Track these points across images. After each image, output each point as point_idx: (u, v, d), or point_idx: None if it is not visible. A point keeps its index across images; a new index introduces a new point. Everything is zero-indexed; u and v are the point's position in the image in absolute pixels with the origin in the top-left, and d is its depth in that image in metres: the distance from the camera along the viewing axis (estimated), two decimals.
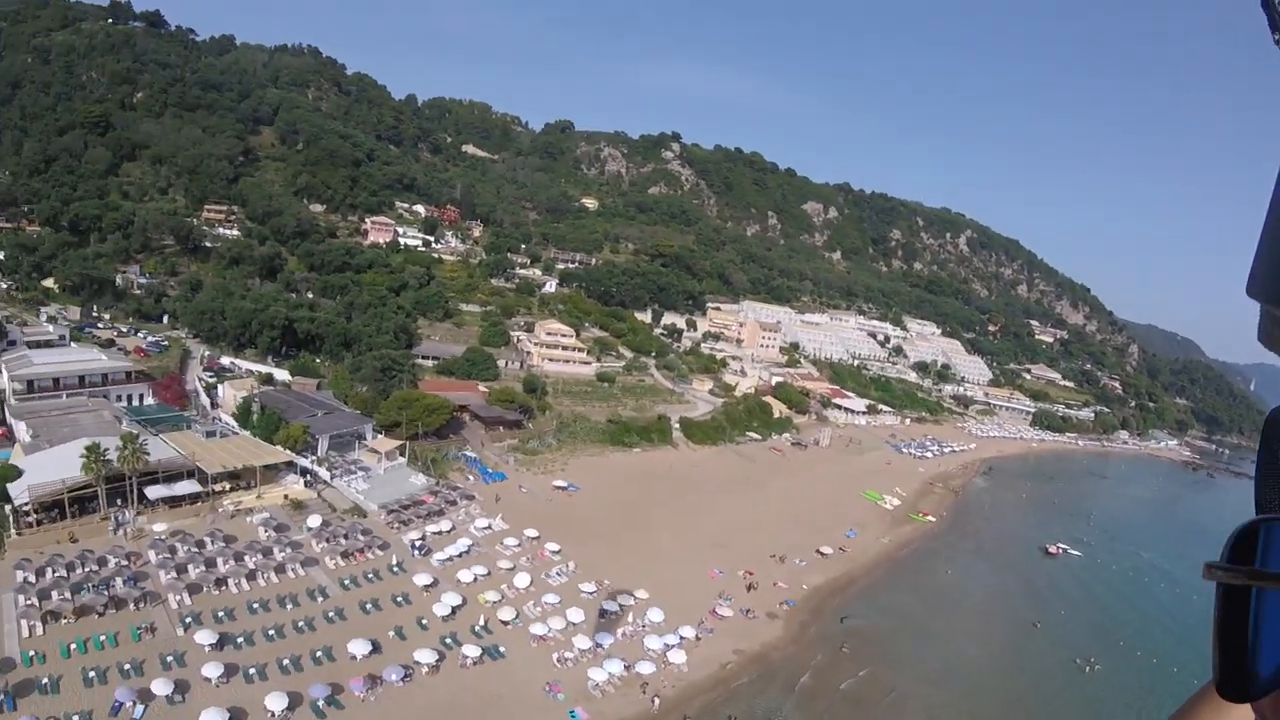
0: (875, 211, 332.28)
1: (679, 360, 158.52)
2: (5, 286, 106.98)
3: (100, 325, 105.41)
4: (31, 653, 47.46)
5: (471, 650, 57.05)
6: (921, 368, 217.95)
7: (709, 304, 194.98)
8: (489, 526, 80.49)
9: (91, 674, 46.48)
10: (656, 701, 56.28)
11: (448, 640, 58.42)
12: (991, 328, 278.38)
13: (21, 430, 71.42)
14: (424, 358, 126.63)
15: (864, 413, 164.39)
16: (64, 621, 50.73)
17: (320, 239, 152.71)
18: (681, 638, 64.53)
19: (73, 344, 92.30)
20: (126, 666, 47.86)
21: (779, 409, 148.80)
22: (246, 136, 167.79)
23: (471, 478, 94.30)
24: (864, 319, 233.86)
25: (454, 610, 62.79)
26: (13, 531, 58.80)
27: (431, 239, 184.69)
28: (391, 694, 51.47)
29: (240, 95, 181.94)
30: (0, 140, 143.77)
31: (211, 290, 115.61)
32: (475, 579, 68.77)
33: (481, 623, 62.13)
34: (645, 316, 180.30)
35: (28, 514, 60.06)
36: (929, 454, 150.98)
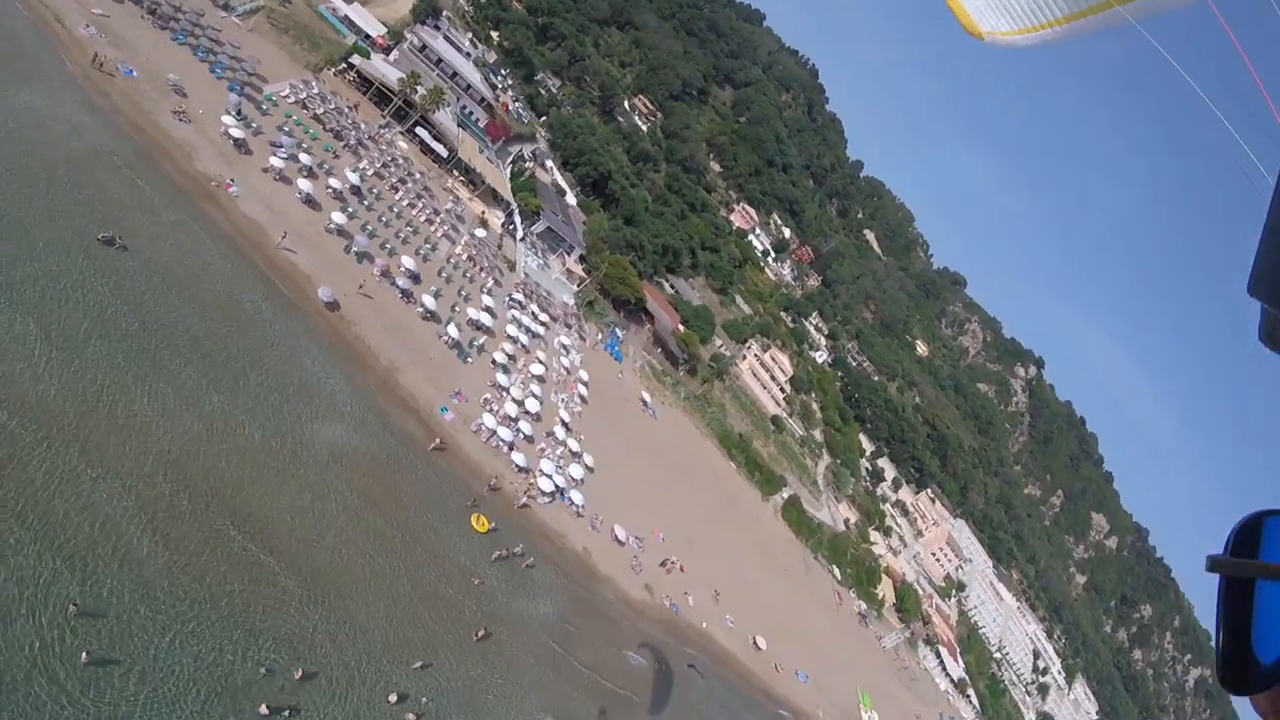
0: None
1: (848, 480, 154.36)
2: (467, 8, 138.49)
3: (499, 76, 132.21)
4: (265, 106, 71.23)
5: (454, 332, 69.43)
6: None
7: (931, 489, 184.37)
8: (565, 347, 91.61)
9: (286, 131, 68.96)
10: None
11: (452, 318, 71.61)
12: None
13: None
14: (670, 284, 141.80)
15: (950, 682, 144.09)
16: (301, 108, 74.77)
17: (694, 180, 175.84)
18: (572, 500, 69.50)
19: (470, 59, 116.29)
20: (305, 145, 69.59)
21: (885, 594, 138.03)
22: (710, 83, 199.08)
23: (600, 336, 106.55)
24: (1045, 636, 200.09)
25: (478, 325, 75.30)
26: (330, 72, 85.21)
27: (772, 254, 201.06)
28: (383, 289, 66.36)
29: (729, 54, 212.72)
30: None
31: (582, 118, 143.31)
32: (519, 331, 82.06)
33: (482, 340, 74.34)
34: (869, 444, 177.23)
35: (345, 71, 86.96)
36: None
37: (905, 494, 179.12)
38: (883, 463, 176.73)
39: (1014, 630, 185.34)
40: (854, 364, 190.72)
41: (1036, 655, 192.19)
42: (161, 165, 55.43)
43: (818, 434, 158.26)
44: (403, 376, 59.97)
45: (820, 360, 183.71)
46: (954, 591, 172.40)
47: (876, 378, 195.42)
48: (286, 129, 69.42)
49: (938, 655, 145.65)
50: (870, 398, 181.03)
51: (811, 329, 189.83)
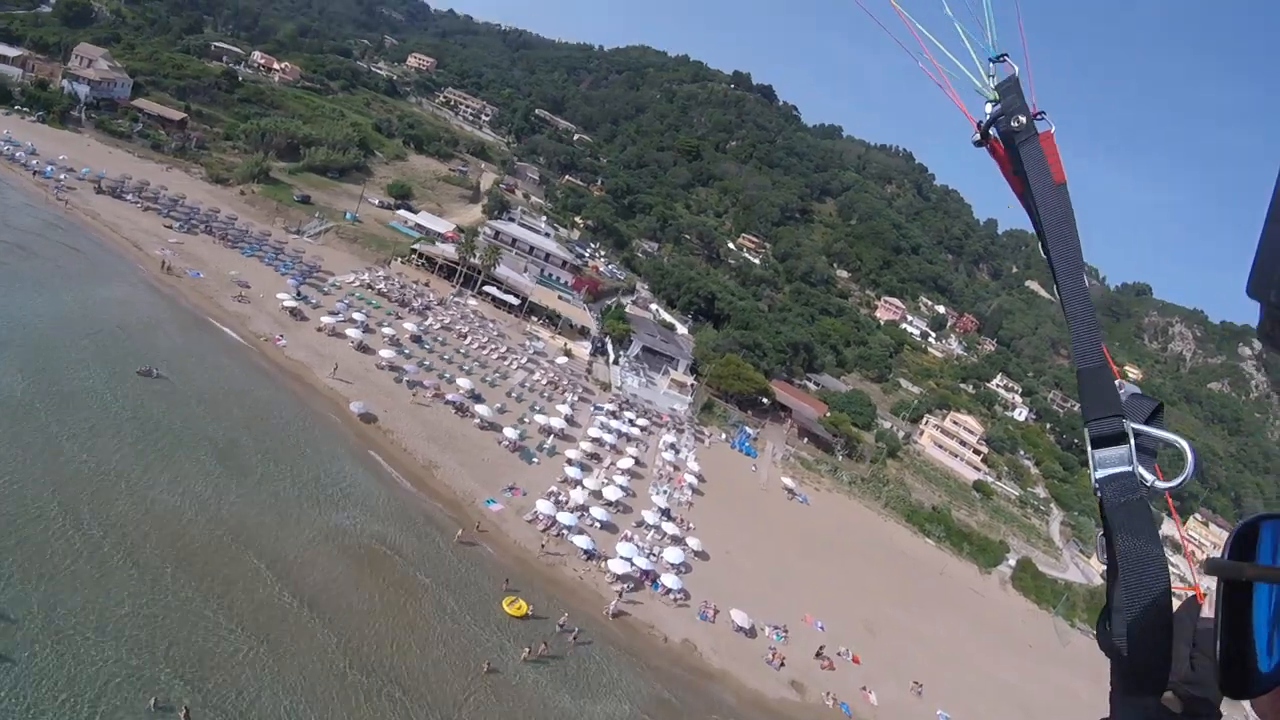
0: None
1: (1093, 530, 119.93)
2: (546, 205, 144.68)
3: (588, 249, 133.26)
4: (327, 289, 74.99)
5: (512, 434, 62.59)
6: None
7: (1199, 512, 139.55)
8: (672, 446, 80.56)
9: (344, 301, 71.66)
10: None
11: (517, 426, 64.80)
12: None
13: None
14: (814, 381, 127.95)
15: None
16: (366, 288, 77.94)
17: (823, 290, 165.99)
18: (666, 586, 54.25)
19: (549, 236, 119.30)
20: (364, 311, 71.51)
21: None
22: (809, 200, 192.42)
23: (724, 436, 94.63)
24: None
25: (550, 431, 68.25)
26: (398, 261, 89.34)
27: (932, 334, 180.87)
28: (437, 407, 62.74)
29: (818, 168, 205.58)
30: (614, 139, 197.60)
31: (676, 260, 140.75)
32: (604, 432, 73.29)
33: (551, 443, 66.68)
34: None
35: (410, 259, 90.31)
36: None
37: (1168, 528, 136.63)
38: None
39: None
40: (1061, 411, 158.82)
41: None
42: (215, 329, 59.25)
43: (1040, 491, 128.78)
44: (440, 473, 53.66)
45: (1021, 417, 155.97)
46: None
47: None
48: (346, 302, 71.95)
49: None
50: (1081, 434, 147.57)
51: (1000, 390, 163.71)
